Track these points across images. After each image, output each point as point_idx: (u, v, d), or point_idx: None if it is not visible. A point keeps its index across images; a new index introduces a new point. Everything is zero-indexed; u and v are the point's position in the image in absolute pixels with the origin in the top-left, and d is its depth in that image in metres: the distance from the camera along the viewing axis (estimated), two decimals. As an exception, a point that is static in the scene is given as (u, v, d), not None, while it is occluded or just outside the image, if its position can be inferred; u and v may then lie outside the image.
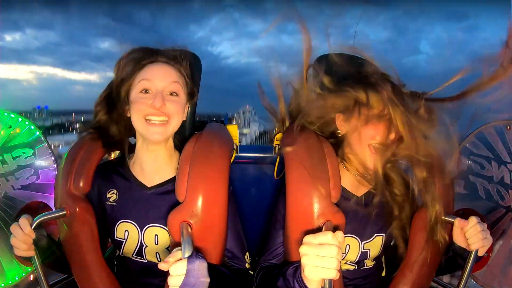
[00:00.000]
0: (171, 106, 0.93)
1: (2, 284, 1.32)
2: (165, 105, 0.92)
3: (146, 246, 0.99)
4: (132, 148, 1.04)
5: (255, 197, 1.46)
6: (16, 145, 1.40)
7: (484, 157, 1.35)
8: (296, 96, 1.00)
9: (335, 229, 0.77)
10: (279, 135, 1.09)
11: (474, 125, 1.36)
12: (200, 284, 0.71)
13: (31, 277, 1.36)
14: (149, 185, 1.00)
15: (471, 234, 0.88)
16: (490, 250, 0.97)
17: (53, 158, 1.40)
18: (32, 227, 0.87)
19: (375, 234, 1.02)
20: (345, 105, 0.94)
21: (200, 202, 0.86)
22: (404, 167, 1.02)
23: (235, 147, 1.17)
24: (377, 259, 1.06)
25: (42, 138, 1.41)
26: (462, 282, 0.93)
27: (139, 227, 0.98)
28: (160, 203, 0.98)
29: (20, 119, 1.41)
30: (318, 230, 0.83)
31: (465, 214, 1.12)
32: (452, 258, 0.99)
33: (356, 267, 1.04)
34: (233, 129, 1.20)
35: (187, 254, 0.74)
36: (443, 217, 0.94)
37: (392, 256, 1.11)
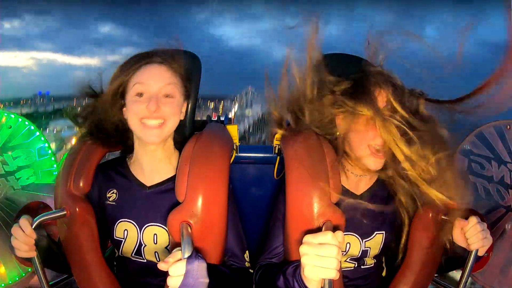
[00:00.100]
0: (167, 108, 0.92)
1: (2, 284, 1.32)
2: (160, 108, 0.91)
3: (145, 246, 0.99)
4: (132, 148, 1.04)
5: (255, 197, 1.46)
6: (16, 145, 1.40)
7: (484, 157, 1.35)
8: (296, 92, 0.98)
9: (335, 229, 0.77)
10: (279, 135, 1.09)
11: (474, 125, 1.37)
12: (199, 284, 0.71)
13: (31, 277, 1.36)
14: (148, 184, 1.01)
15: (471, 234, 0.88)
16: (490, 250, 0.97)
17: (52, 158, 1.40)
18: (32, 227, 0.87)
19: (375, 232, 1.02)
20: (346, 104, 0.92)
21: (200, 202, 0.86)
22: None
23: (235, 147, 1.18)
24: (377, 257, 1.06)
25: (42, 138, 1.41)
26: (462, 282, 0.93)
27: (138, 227, 0.99)
28: (159, 202, 0.98)
29: (20, 119, 1.41)
30: (318, 230, 0.83)
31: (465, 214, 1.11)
32: (452, 258, 0.99)
33: (356, 265, 1.04)
34: (233, 129, 1.20)
35: (186, 255, 0.74)
36: (443, 217, 0.94)
37: (392, 256, 1.11)
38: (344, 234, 0.76)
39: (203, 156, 0.91)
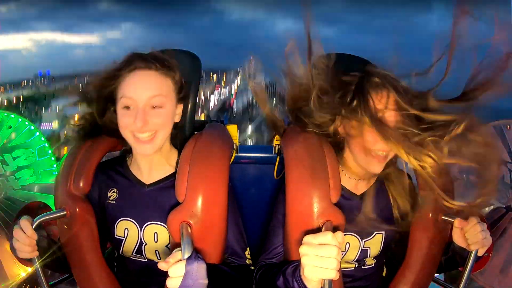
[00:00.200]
0: (156, 119, 0.90)
1: (2, 284, 1.33)
2: (148, 121, 0.88)
3: (146, 244, 0.99)
4: (131, 148, 1.04)
5: (255, 197, 1.46)
6: (16, 145, 1.40)
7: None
8: (293, 89, 0.96)
9: (335, 229, 0.77)
10: (278, 135, 1.09)
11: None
12: (198, 285, 0.71)
13: (31, 277, 1.37)
14: (147, 182, 1.01)
15: (471, 234, 0.88)
16: (490, 250, 0.97)
17: (52, 158, 1.40)
18: (32, 227, 0.87)
19: (375, 232, 1.02)
20: (345, 107, 0.91)
21: (200, 202, 0.86)
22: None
23: (235, 147, 1.17)
24: (378, 258, 1.06)
25: (42, 139, 1.41)
26: (462, 282, 0.93)
27: (139, 225, 0.99)
28: (159, 200, 0.98)
29: (20, 119, 1.41)
30: (318, 230, 0.83)
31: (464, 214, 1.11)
32: (452, 258, 0.99)
33: (357, 265, 1.04)
34: (233, 129, 1.20)
35: (186, 255, 0.74)
36: (443, 217, 0.94)
37: (392, 256, 1.11)
38: (344, 235, 0.76)
39: (203, 156, 0.91)
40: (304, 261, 0.71)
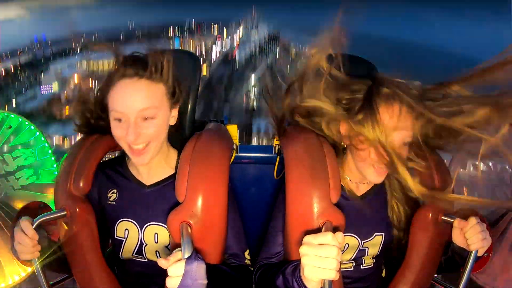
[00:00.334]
0: (148, 131, 0.89)
1: (2, 284, 1.33)
2: (140, 133, 0.88)
3: (146, 245, 0.99)
4: None
5: (255, 197, 1.46)
6: (16, 145, 1.40)
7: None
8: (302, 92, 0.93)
9: (334, 229, 0.77)
10: None
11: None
12: (197, 286, 0.71)
13: (31, 277, 1.37)
14: (148, 183, 1.01)
15: (471, 235, 0.88)
16: (490, 250, 0.97)
17: (52, 158, 1.40)
18: (33, 227, 0.87)
19: (375, 233, 1.02)
20: (351, 118, 0.88)
21: (200, 202, 0.86)
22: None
23: (235, 147, 1.17)
24: (377, 258, 1.06)
25: (42, 138, 1.41)
26: (462, 282, 0.93)
27: (139, 226, 0.99)
28: (159, 201, 0.98)
29: (20, 119, 1.41)
30: (318, 230, 0.83)
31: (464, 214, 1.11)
32: (452, 258, 0.99)
33: (355, 264, 1.04)
34: (233, 129, 1.20)
35: (186, 255, 0.74)
36: (443, 217, 0.94)
37: (392, 256, 1.11)
38: (344, 235, 0.76)
39: (203, 156, 0.91)
40: (304, 261, 0.71)
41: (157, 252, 0.99)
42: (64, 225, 0.97)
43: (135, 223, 0.99)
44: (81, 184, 0.97)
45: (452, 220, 0.92)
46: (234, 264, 1.00)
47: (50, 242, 0.97)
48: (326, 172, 0.88)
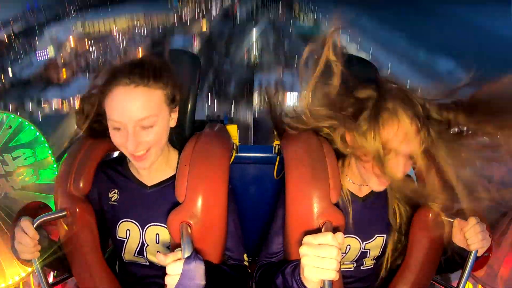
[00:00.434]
0: (148, 138, 0.87)
1: (2, 284, 1.33)
2: (140, 143, 0.86)
3: (147, 245, 0.99)
4: None
5: (255, 197, 1.46)
6: (16, 145, 1.40)
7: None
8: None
9: (334, 230, 0.77)
10: None
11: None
12: (194, 286, 0.71)
13: (31, 277, 1.37)
14: (149, 184, 1.01)
15: (471, 235, 0.88)
16: (490, 249, 0.97)
17: (52, 158, 1.40)
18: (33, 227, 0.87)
19: (376, 235, 1.02)
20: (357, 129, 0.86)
21: (199, 202, 0.86)
22: None
23: (235, 147, 1.17)
24: (377, 259, 1.06)
25: (42, 139, 1.41)
26: (462, 282, 0.93)
27: (140, 226, 0.99)
28: (160, 202, 0.98)
29: (20, 120, 1.41)
30: (318, 230, 0.83)
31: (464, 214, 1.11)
32: (452, 258, 0.99)
33: (355, 265, 1.04)
34: (233, 129, 1.20)
35: (186, 255, 0.74)
36: (443, 217, 0.94)
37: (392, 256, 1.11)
38: (345, 237, 0.76)
39: (203, 156, 0.91)
40: (304, 261, 0.71)
41: (158, 253, 0.99)
42: (64, 225, 0.97)
43: (137, 223, 0.99)
44: (81, 184, 0.97)
45: (452, 220, 0.92)
46: (233, 264, 1.00)
47: (51, 241, 0.97)
48: (326, 172, 0.88)
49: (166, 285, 0.73)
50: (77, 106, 0.98)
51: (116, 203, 1.01)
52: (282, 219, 0.97)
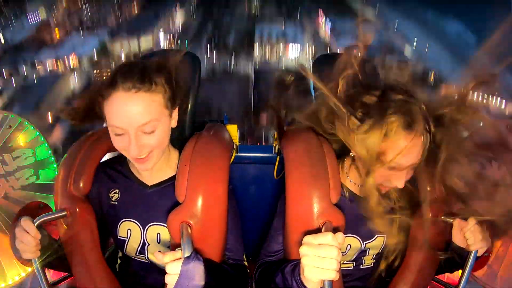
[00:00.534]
0: (150, 141, 0.86)
1: (2, 284, 1.33)
2: (143, 146, 0.86)
3: (149, 245, 0.99)
4: None
5: (255, 197, 1.46)
6: (16, 145, 1.40)
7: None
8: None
9: (335, 229, 0.77)
10: None
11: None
12: (193, 286, 0.71)
13: (31, 277, 1.37)
14: (149, 183, 1.01)
15: (471, 235, 0.88)
16: (490, 250, 0.97)
17: (52, 158, 1.40)
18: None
19: (377, 235, 1.02)
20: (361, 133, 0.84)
21: (200, 202, 0.86)
22: None
23: (235, 147, 1.17)
24: (377, 258, 1.06)
25: (42, 138, 1.41)
26: (462, 282, 0.93)
27: (142, 226, 0.99)
28: (161, 201, 0.98)
29: (20, 120, 1.41)
30: (318, 230, 0.83)
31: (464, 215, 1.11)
32: (452, 258, 0.99)
33: (355, 264, 1.04)
34: (233, 129, 1.20)
35: (186, 255, 0.74)
36: (443, 217, 0.94)
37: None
38: (346, 236, 0.76)
39: (203, 156, 0.91)
40: (304, 261, 0.71)
41: (156, 252, 0.99)
42: (64, 225, 0.97)
43: (138, 223, 0.99)
44: (81, 184, 0.97)
45: (452, 220, 0.92)
46: (233, 264, 1.00)
47: (51, 240, 0.97)
48: (326, 172, 0.88)
49: (166, 284, 0.73)
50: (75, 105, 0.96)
51: (116, 202, 1.01)
52: (282, 218, 0.97)
